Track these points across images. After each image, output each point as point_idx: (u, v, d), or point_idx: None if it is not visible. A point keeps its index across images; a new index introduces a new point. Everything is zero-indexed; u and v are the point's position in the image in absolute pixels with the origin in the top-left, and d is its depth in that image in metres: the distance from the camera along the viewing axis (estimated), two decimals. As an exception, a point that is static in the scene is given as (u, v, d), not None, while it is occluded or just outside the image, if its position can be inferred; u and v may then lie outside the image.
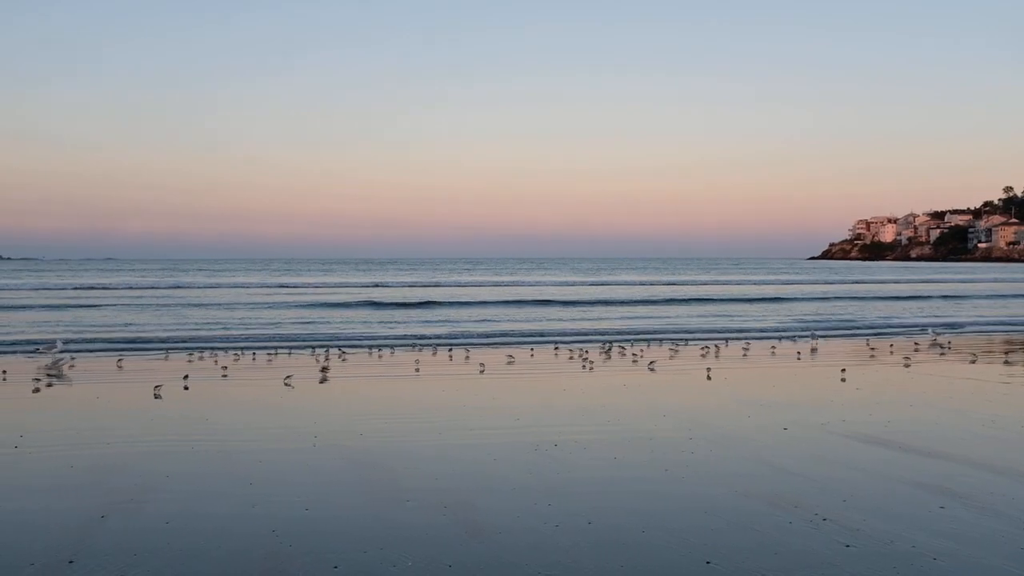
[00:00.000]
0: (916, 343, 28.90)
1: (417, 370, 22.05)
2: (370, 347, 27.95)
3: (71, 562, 7.93)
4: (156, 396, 17.80)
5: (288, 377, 20.28)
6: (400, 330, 36.39)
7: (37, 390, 18.63)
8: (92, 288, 75.84)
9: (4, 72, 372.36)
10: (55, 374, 21.38)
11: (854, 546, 8.26)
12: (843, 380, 20.31)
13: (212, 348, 27.93)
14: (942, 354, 26.02)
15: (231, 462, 11.96)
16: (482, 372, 21.51)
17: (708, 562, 7.86)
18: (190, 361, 24.11)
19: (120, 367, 22.97)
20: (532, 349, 26.85)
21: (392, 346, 28.60)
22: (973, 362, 24.29)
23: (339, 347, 27.67)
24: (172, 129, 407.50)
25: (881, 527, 8.82)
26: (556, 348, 27.02)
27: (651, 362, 23.05)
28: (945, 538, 8.47)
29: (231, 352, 26.43)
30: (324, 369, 21.56)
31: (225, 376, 20.99)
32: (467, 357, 24.64)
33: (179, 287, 78.50)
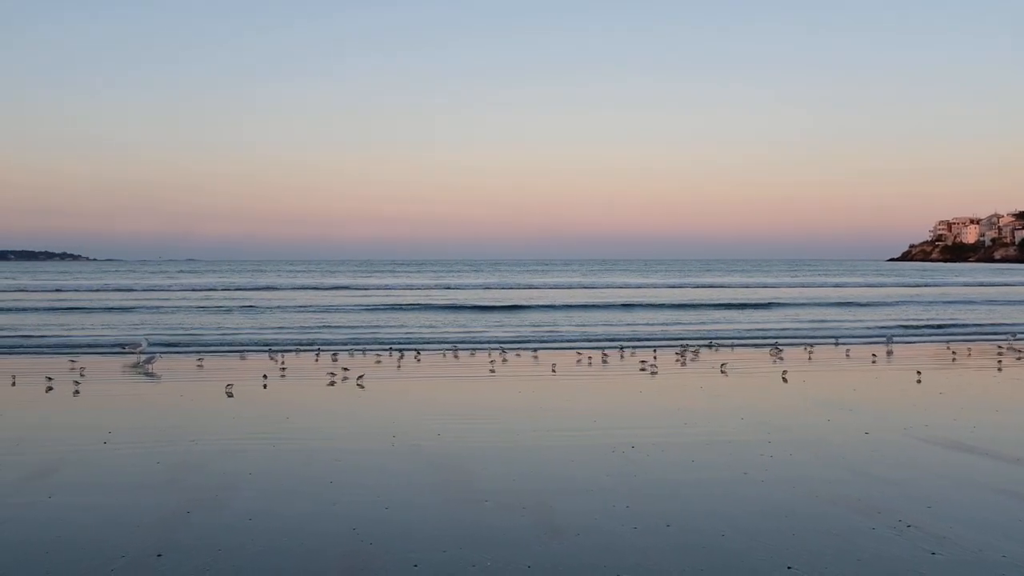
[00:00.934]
0: (999, 347, 28.18)
1: (492, 371, 22.12)
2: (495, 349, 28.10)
3: (159, 556, 8.12)
4: (228, 395, 18.13)
5: (360, 377, 20.57)
6: (494, 332, 36.55)
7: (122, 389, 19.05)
8: (188, 290, 77.44)
9: (81, 82, 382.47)
10: (143, 372, 21.89)
11: (940, 554, 8.10)
12: (919, 382, 19.94)
13: (295, 350, 28.37)
14: (1019, 358, 25.32)
15: (311, 461, 12.13)
16: (553, 371, 21.53)
17: (789, 567, 7.77)
18: (272, 359, 24.53)
19: (200, 366, 23.40)
20: (622, 351, 26.75)
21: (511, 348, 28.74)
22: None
23: (454, 349, 27.94)
24: (245, 135, 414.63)
25: (968, 535, 8.63)
26: (627, 352, 26.84)
27: (722, 364, 22.83)
28: (1035, 547, 8.26)
29: (314, 351, 26.82)
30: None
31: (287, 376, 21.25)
32: (595, 358, 24.62)
33: (270, 288, 79.79)
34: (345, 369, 21.67)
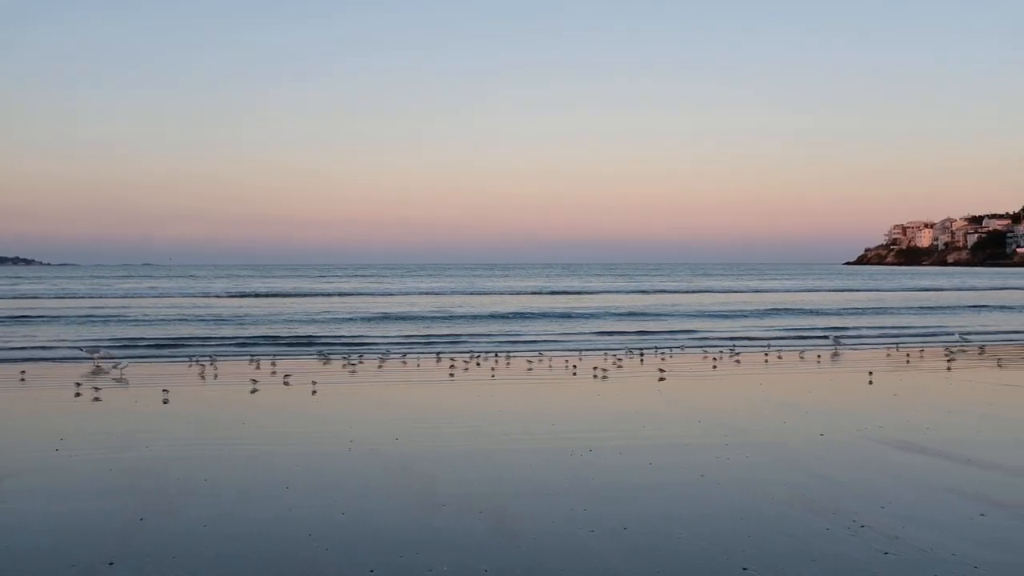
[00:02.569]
0: (948, 349, 28.53)
1: (452, 375, 22.07)
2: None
3: (111, 564, 8.01)
4: (164, 401, 17.91)
5: (287, 376, 20.85)
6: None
7: (78, 394, 18.78)
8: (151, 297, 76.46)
9: (43, 83, 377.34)
10: (102, 377, 21.62)
11: (893, 553, 8.19)
12: (870, 383, 20.19)
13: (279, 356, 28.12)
14: (949, 359, 25.71)
15: (267, 467, 12.04)
16: (512, 376, 21.53)
17: (745, 568, 7.82)
18: (249, 363, 24.34)
19: (161, 373, 23.15)
20: (581, 356, 26.76)
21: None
22: (1000, 366, 24.02)
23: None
24: (207, 136, 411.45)
25: (920, 535, 8.73)
26: (585, 356, 26.92)
27: (661, 369, 22.81)
28: (986, 547, 8.37)
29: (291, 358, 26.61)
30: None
31: (251, 385, 21.08)
32: (554, 364, 24.61)
33: (239, 295, 78.87)
34: (287, 375, 21.35)
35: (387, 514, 9.67)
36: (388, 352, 27.68)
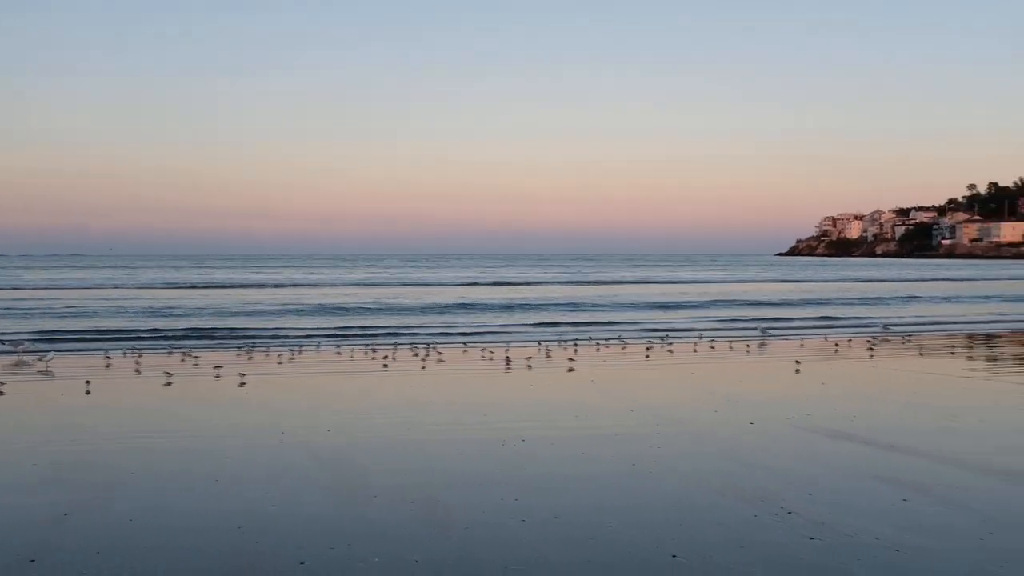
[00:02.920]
0: (874, 339, 29.05)
1: (386, 366, 21.96)
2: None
3: (32, 561, 7.85)
4: (87, 393, 17.63)
5: (218, 367, 20.62)
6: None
7: (1, 393, 18.35)
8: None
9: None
10: (26, 370, 21.16)
11: (818, 539, 8.34)
12: (797, 372, 20.55)
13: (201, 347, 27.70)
14: (903, 343, 26.25)
15: (196, 459, 11.89)
16: (445, 366, 21.49)
17: (674, 556, 7.91)
18: (171, 355, 23.93)
19: (85, 365, 22.72)
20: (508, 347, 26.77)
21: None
22: (922, 354, 24.57)
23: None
24: (165, 126, 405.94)
25: (845, 520, 8.90)
26: (518, 347, 26.95)
27: (570, 360, 22.90)
28: (907, 531, 8.56)
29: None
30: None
31: (168, 376, 20.80)
32: (489, 354, 24.56)
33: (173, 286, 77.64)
34: (219, 367, 21.04)
35: (318, 506, 9.61)
36: (320, 344, 27.47)
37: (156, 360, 23.31)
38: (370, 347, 26.20)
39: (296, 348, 26.03)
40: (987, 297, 58.19)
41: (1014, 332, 33.81)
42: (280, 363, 22.75)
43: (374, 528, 8.79)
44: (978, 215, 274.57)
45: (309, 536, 8.52)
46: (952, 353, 26.00)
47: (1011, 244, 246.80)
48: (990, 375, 21.40)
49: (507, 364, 22.13)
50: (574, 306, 48.92)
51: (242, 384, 18.82)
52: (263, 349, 25.70)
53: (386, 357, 23.67)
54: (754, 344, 27.71)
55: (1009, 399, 17.12)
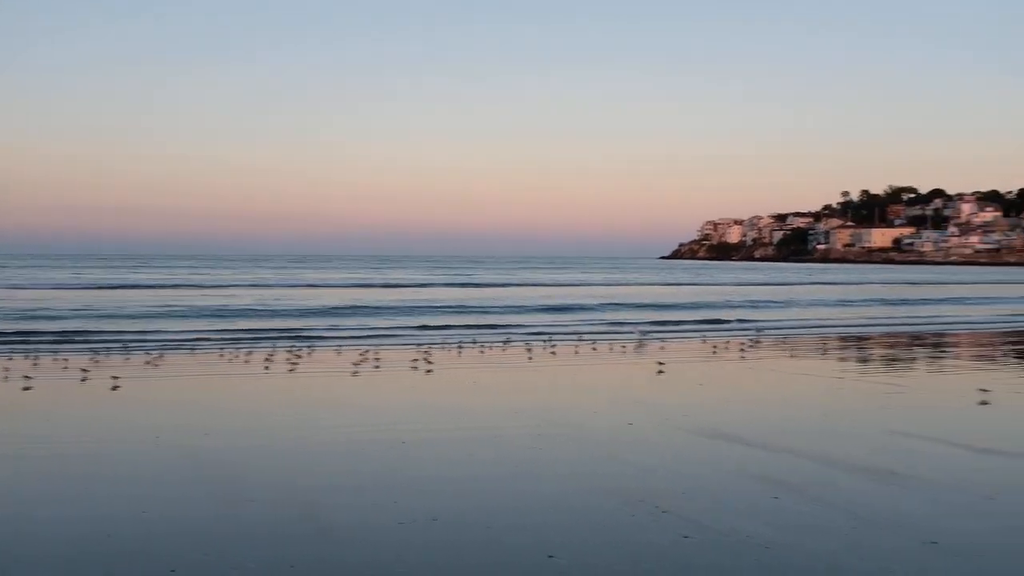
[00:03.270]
0: (750, 340, 29.69)
1: (267, 368, 21.56)
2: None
3: None
4: None
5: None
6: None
7: None
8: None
9: None
10: None
11: (692, 537, 8.51)
12: (660, 373, 20.91)
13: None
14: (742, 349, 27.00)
15: (64, 465, 11.52)
16: (326, 368, 21.28)
17: (551, 556, 7.98)
18: (38, 360, 23.07)
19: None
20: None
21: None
22: (797, 356, 25.33)
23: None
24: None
25: (718, 518, 9.10)
26: (403, 348, 26.83)
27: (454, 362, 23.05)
28: (777, 528, 8.80)
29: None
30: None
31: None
32: (372, 355, 24.29)
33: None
34: (87, 370, 20.35)
35: (193, 511, 9.41)
36: (198, 347, 26.91)
37: (22, 365, 22.46)
38: (250, 350, 25.73)
39: (174, 351, 25.43)
40: (863, 301, 60.23)
41: (884, 335, 35.03)
42: (156, 366, 22.13)
43: (250, 533, 8.65)
44: (851, 221, 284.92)
45: (182, 542, 8.32)
46: (825, 354, 26.87)
47: (881, 249, 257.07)
48: (860, 376, 22.15)
49: (388, 366, 22.00)
50: (462, 308, 48.87)
51: (115, 388, 18.25)
52: (139, 352, 24.99)
53: (267, 360, 23.21)
54: (635, 346, 28.10)
55: (878, 399, 17.73)
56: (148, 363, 22.57)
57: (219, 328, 35.99)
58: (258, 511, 9.39)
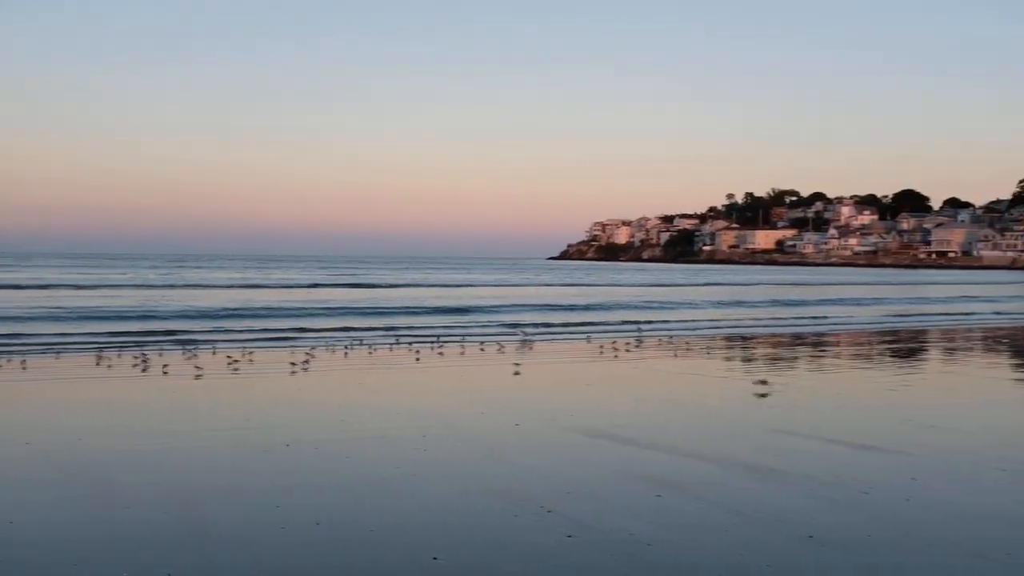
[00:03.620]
0: (636, 340, 30.05)
1: (145, 371, 20.88)
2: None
3: None
4: None
5: None
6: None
7: None
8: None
9: None
10: None
11: (576, 536, 8.55)
12: (516, 374, 21.00)
13: None
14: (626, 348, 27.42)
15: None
16: (203, 369, 20.77)
17: (435, 558, 7.92)
18: None
19: None
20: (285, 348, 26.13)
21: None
22: (682, 356, 25.77)
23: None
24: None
25: (602, 518, 9.18)
26: (285, 349, 26.41)
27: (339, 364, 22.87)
28: (659, 526, 8.92)
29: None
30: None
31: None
32: (254, 357, 23.69)
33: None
34: None
35: (64, 519, 9.08)
36: (73, 349, 26.00)
37: None
38: (123, 352, 24.93)
39: (41, 355, 24.48)
40: (750, 302, 61.48)
41: (769, 335, 35.82)
42: (25, 369, 21.28)
43: (125, 540, 8.39)
44: (736, 223, 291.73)
45: (52, 552, 8.03)
46: (710, 354, 27.41)
47: (765, 251, 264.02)
48: (745, 375, 22.58)
49: (272, 369, 21.62)
50: (352, 309, 48.22)
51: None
52: (5, 356, 24.01)
53: (143, 363, 22.42)
54: (522, 347, 28.15)
55: (760, 398, 18.12)
56: (14, 367, 21.65)
57: (94, 331, 34.80)
58: (133, 518, 9.11)
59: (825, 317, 46.97)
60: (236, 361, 22.53)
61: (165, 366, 21.47)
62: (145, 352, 24.41)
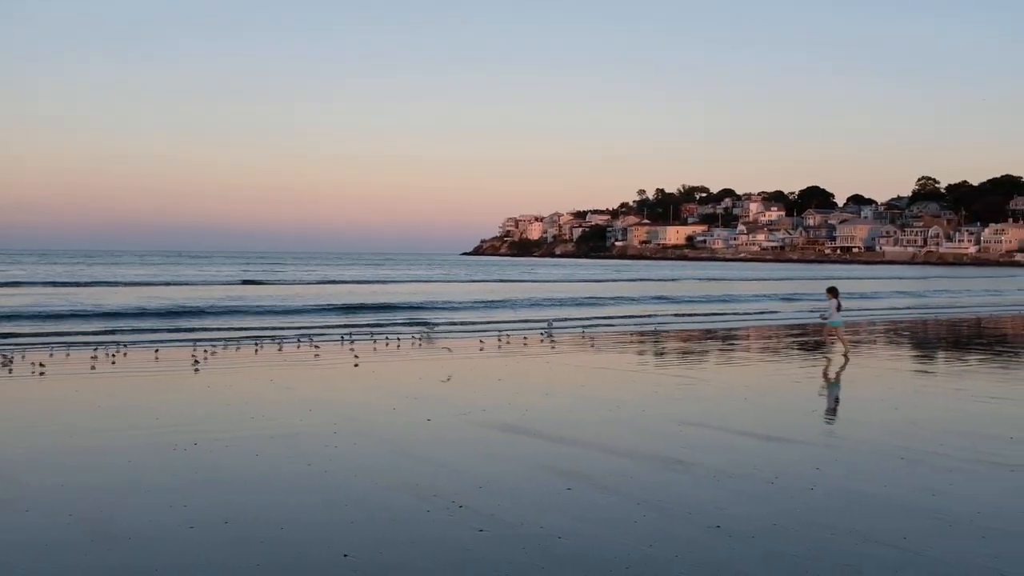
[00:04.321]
0: (548, 336, 30.25)
1: (42, 374, 20.18)
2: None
3: None
4: None
5: None
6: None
7: None
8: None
9: None
10: None
11: (487, 530, 8.59)
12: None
13: None
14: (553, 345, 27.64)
15: None
16: (113, 365, 20.32)
17: (346, 555, 7.89)
18: None
19: None
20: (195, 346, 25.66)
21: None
22: (594, 350, 26.02)
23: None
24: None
25: (513, 511, 9.24)
26: (198, 347, 25.99)
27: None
28: (570, 518, 9.00)
29: None
30: None
31: None
32: (162, 355, 23.16)
33: None
34: None
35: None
36: None
37: None
38: (25, 351, 24.22)
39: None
40: (651, 298, 62.23)
41: (680, 331, 36.29)
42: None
43: (25, 544, 8.18)
44: (647, 219, 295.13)
45: (-51, 556, 7.78)
46: (622, 349, 27.70)
47: (675, 246, 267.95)
48: (655, 369, 22.88)
49: (175, 367, 21.23)
50: (259, 309, 47.51)
51: None
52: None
53: (42, 364, 21.76)
54: (435, 343, 28.14)
55: (668, 390, 18.39)
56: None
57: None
58: (36, 521, 8.90)
59: (740, 312, 47.84)
60: (144, 360, 22.05)
61: (65, 365, 20.96)
62: (35, 351, 23.79)
